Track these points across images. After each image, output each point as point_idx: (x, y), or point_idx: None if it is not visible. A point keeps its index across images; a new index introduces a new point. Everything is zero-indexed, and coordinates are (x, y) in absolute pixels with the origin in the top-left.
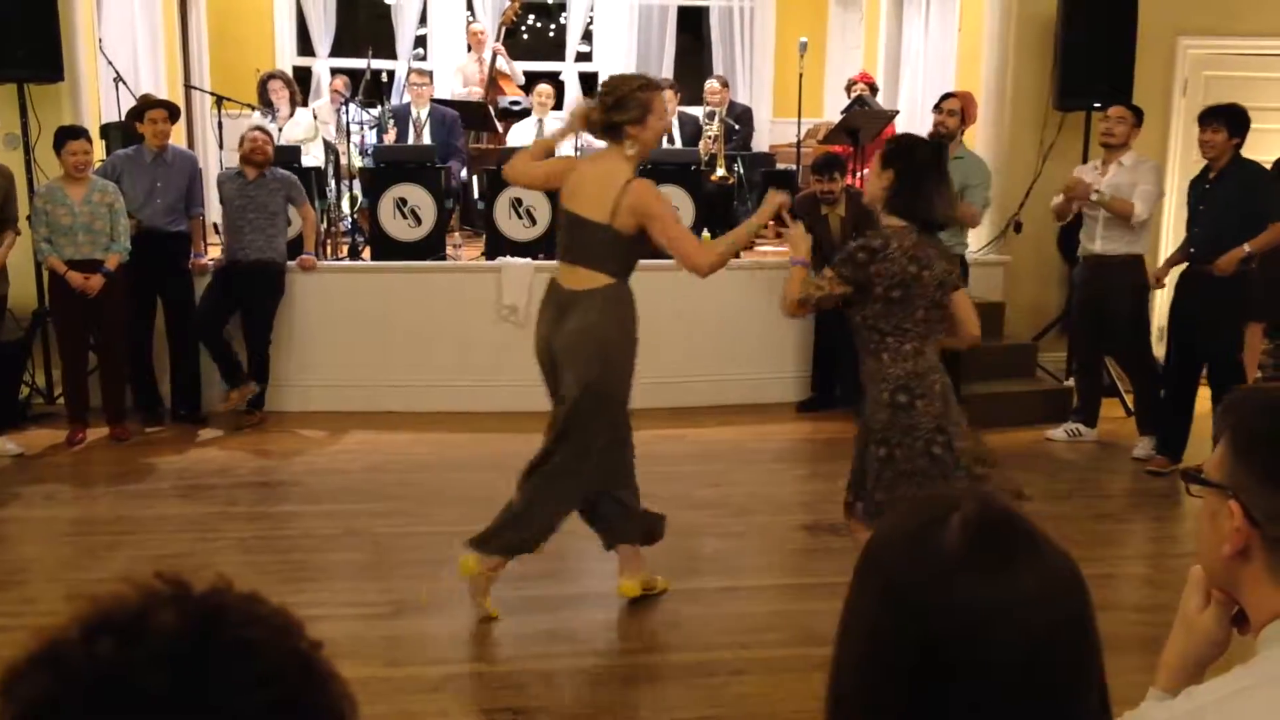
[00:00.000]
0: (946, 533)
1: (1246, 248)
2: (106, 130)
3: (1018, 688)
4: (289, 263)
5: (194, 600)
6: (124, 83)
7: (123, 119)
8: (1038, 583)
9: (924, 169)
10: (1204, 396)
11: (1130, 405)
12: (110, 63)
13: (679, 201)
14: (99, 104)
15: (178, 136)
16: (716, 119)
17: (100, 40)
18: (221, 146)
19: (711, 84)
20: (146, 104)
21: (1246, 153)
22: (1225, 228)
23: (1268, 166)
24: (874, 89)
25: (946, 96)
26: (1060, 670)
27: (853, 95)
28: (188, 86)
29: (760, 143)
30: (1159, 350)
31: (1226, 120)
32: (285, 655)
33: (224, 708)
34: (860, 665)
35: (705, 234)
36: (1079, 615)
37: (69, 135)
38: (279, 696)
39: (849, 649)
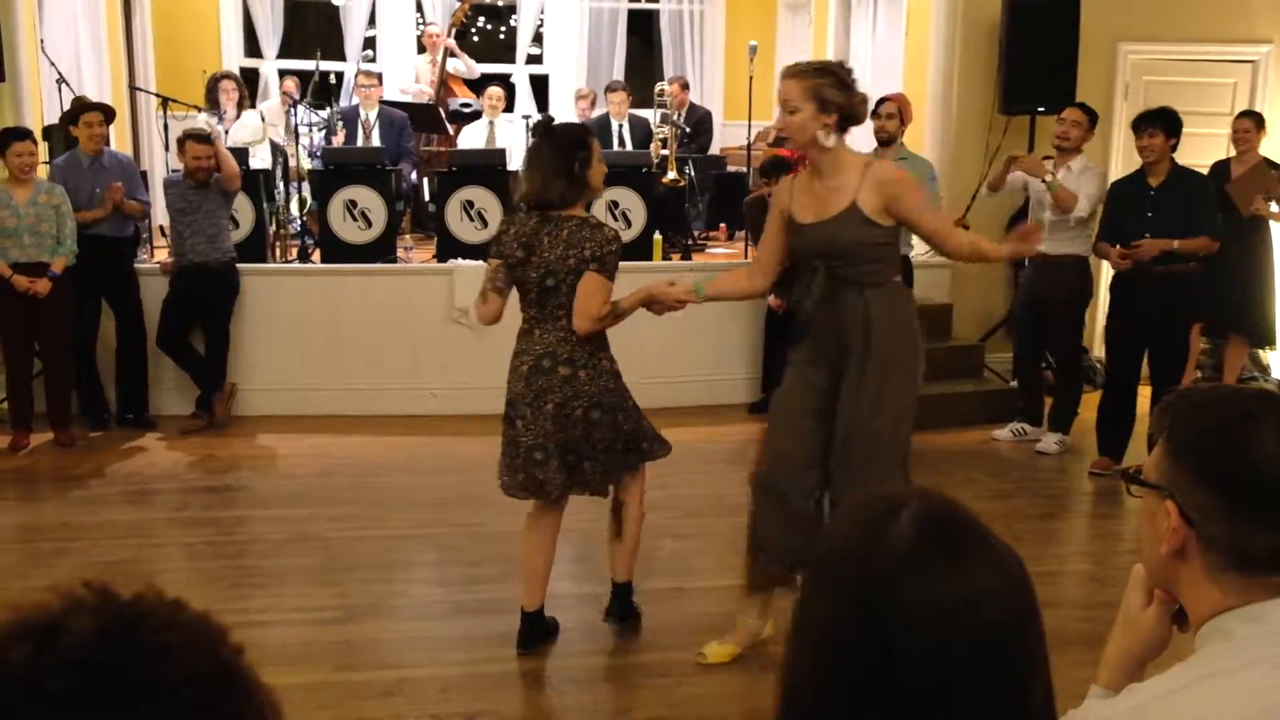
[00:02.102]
0: (896, 531)
1: (1176, 244)
2: (49, 132)
3: (969, 682)
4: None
5: (113, 607)
6: (67, 84)
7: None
8: (987, 577)
9: (532, 153)
10: (1144, 396)
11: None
12: (53, 64)
13: (630, 204)
14: (41, 106)
15: (122, 138)
16: (669, 122)
17: (42, 41)
18: (167, 149)
19: (668, 86)
20: (81, 107)
21: (1184, 155)
22: (1179, 234)
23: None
24: None
25: (882, 101)
26: (1009, 664)
27: None
28: (132, 88)
29: (711, 146)
30: (1101, 353)
31: (1163, 124)
32: (203, 659)
33: (139, 710)
34: (813, 664)
35: (656, 236)
36: (1026, 609)
37: (14, 136)
38: (196, 700)
39: (801, 648)
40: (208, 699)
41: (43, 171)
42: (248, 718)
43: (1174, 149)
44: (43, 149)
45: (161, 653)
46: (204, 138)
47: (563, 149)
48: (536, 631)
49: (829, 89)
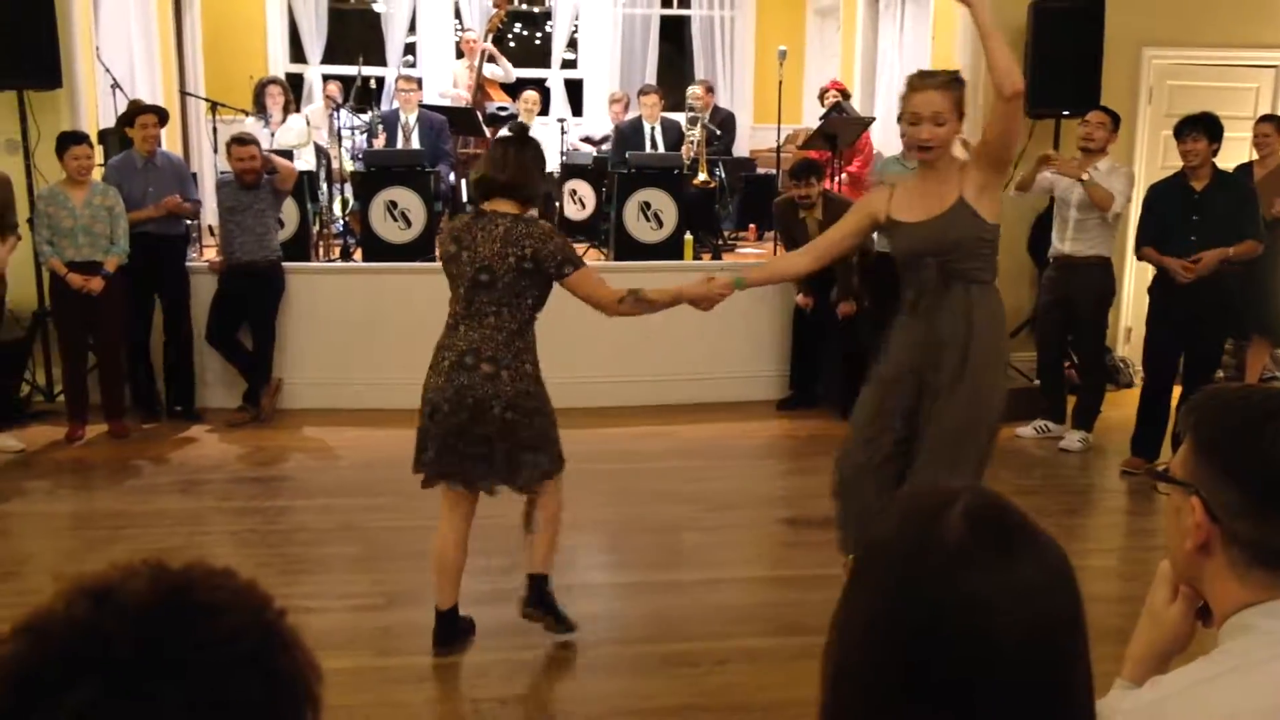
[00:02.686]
0: (947, 525)
1: (1230, 252)
2: (104, 135)
3: (1015, 674)
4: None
5: (166, 572)
6: (120, 89)
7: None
8: (1035, 573)
9: (502, 146)
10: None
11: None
12: (107, 70)
13: (662, 205)
14: (97, 110)
15: (174, 141)
16: (699, 125)
17: (97, 48)
18: (216, 151)
19: (695, 89)
20: (137, 109)
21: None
22: (1225, 237)
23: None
24: (846, 95)
25: None
26: (1055, 657)
27: (827, 102)
28: (183, 93)
29: (741, 148)
30: (1125, 352)
31: (1205, 129)
32: (250, 617)
33: (188, 660)
34: (860, 653)
35: (687, 236)
36: (1073, 603)
37: (72, 140)
38: (242, 654)
39: (848, 637)
40: (254, 654)
41: (98, 174)
42: (291, 674)
43: (1215, 154)
44: (98, 152)
45: (211, 610)
46: (245, 140)
47: (535, 150)
48: (450, 630)
49: (964, 98)
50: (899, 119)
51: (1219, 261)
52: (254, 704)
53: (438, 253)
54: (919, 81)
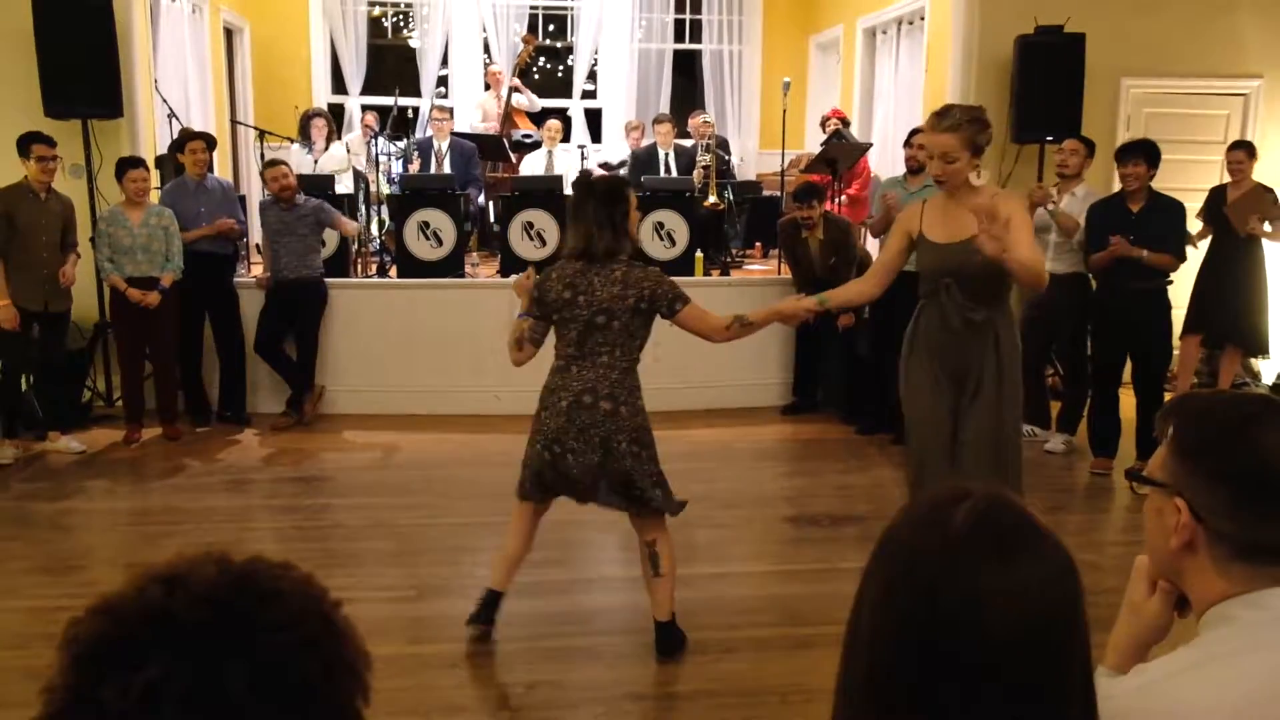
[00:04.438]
0: (954, 518)
1: (1146, 254)
2: (161, 161)
3: (1012, 663)
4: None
5: (232, 562)
6: (176, 118)
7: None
8: (1034, 570)
9: (573, 209)
10: (1126, 402)
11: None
12: (164, 100)
13: (674, 225)
14: (154, 137)
15: (224, 167)
16: (710, 152)
17: (155, 80)
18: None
19: (693, 120)
20: (186, 136)
21: (1180, 180)
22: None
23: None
24: (846, 123)
25: (914, 132)
26: (1051, 650)
27: (828, 129)
28: (233, 122)
29: (748, 172)
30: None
31: (1145, 155)
32: (308, 604)
33: (253, 642)
34: (872, 635)
35: (698, 254)
36: (1069, 606)
37: (130, 165)
38: (302, 638)
39: (862, 619)
40: (312, 638)
41: (154, 196)
42: (344, 658)
43: (1152, 178)
44: (155, 176)
45: (273, 596)
46: (276, 162)
47: (606, 204)
48: (492, 610)
49: (980, 135)
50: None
51: (1130, 254)
52: (311, 684)
53: (545, 298)
54: (933, 122)
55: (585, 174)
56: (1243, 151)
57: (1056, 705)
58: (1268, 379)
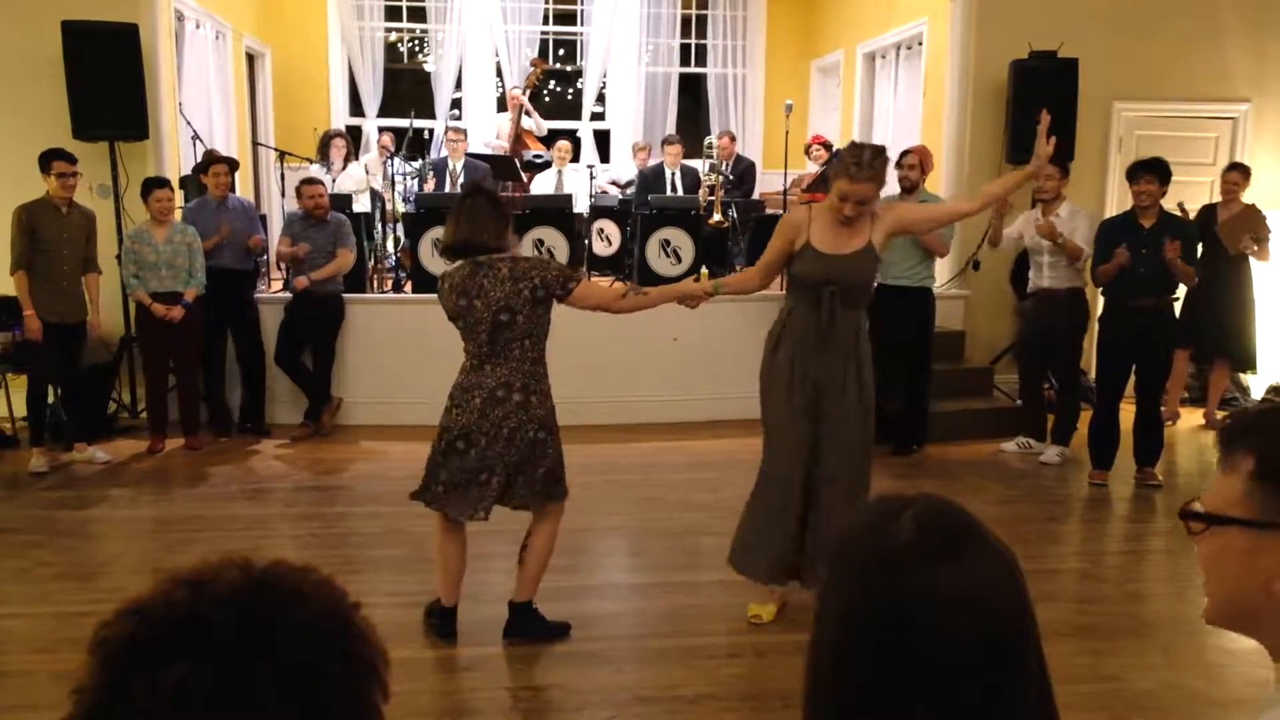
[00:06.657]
0: (900, 526)
1: (1173, 257)
2: (185, 181)
3: (972, 656)
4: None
5: (255, 566)
6: (200, 140)
7: (191, 172)
8: (982, 568)
9: (463, 205)
10: (1125, 415)
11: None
12: (189, 123)
13: (680, 242)
14: (179, 158)
15: (245, 186)
16: (716, 172)
17: (180, 104)
18: (284, 195)
19: (720, 139)
20: (211, 159)
21: (1167, 201)
22: (1165, 270)
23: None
24: (828, 147)
25: (905, 153)
26: (1007, 640)
27: (812, 155)
28: (255, 143)
29: (751, 191)
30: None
31: (1158, 172)
32: (330, 606)
33: (277, 642)
34: (832, 645)
35: (703, 270)
36: (1017, 605)
37: (155, 185)
38: (323, 638)
39: (823, 631)
40: (334, 638)
41: (178, 215)
42: (364, 658)
43: (1164, 195)
44: (179, 195)
45: (296, 598)
46: (314, 181)
47: (494, 201)
48: (452, 623)
49: (884, 170)
50: (832, 184)
51: (1167, 254)
52: (333, 683)
53: (444, 306)
54: (852, 173)
55: (474, 184)
56: (1238, 173)
57: (1015, 694)
58: (1256, 394)
